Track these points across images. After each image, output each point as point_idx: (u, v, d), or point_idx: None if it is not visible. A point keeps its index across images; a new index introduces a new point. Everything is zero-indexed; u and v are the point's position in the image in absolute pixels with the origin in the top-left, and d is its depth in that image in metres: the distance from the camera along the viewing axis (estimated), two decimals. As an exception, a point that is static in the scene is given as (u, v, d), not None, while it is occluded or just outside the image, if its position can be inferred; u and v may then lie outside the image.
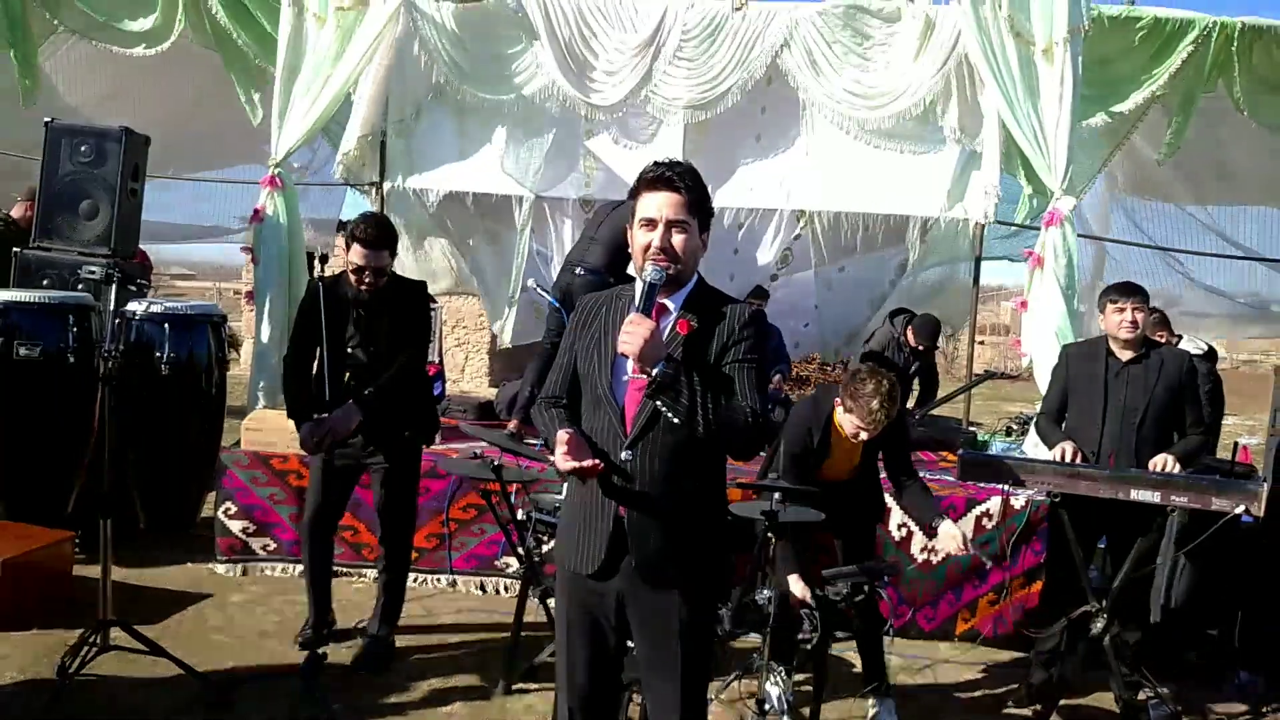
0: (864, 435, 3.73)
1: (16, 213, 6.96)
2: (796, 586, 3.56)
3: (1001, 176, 6.13)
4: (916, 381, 6.94)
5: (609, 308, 2.48)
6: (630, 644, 2.59)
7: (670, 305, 2.40)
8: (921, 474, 4.19)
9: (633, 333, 2.23)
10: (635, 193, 2.41)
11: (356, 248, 3.98)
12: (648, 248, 2.35)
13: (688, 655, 2.41)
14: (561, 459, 2.30)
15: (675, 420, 2.27)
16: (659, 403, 2.27)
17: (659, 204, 2.35)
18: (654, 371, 2.23)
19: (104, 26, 6.34)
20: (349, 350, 4.10)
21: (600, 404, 2.41)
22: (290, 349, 4.21)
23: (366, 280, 4.01)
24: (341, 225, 4.03)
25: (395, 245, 4.13)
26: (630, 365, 2.32)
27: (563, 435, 2.32)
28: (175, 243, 8.63)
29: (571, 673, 2.49)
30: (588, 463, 2.29)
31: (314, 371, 4.11)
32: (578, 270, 6.06)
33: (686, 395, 2.24)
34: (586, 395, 2.47)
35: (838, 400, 3.82)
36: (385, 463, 4.19)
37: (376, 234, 4.00)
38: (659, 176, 2.36)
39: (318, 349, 4.07)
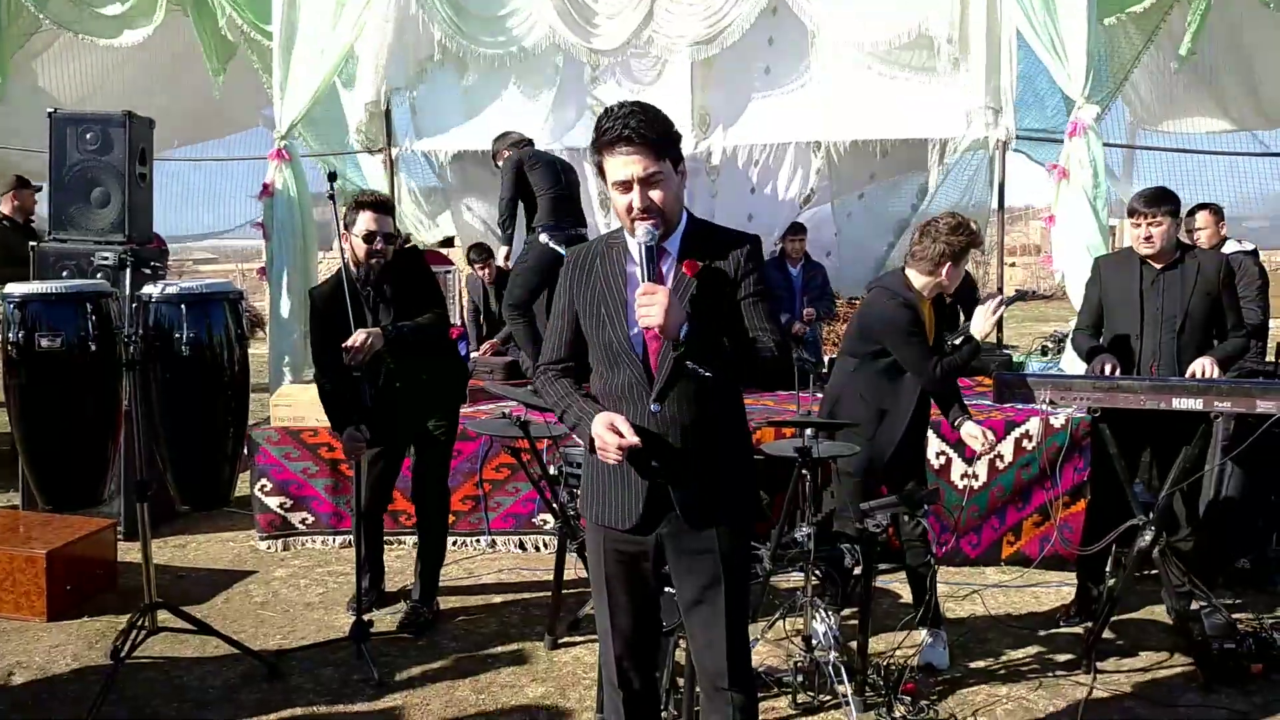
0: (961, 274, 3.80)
1: (7, 209, 6.98)
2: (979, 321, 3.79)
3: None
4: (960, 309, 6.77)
5: (603, 259, 2.40)
6: (668, 589, 2.57)
7: (668, 249, 2.34)
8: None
9: (650, 303, 2.16)
10: (596, 150, 2.30)
11: (366, 214, 3.97)
12: (630, 209, 2.26)
13: (731, 591, 2.38)
14: (614, 457, 2.25)
15: (706, 375, 2.24)
16: (689, 364, 2.23)
17: (625, 164, 2.23)
18: (680, 336, 2.18)
19: (85, 16, 6.27)
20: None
21: (620, 360, 2.35)
22: (316, 365, 4.14)
23: (377, 247, 3.98)
24: (333, 197, 3.96)
25: (394, 213, 4.17)
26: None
27: (624, 430, 2.24)
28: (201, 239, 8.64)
29: (614, 619, 2.47)
30: (632, 442, 2.25)
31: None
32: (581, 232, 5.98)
33: (714, 350, 2.22)
34: (600, 353, 2.40)
35: (927, 272, 3.72)
36: (422, 433, 4.23)
37: (382, 198, 4.07)
38: (616, 136, 2.22)
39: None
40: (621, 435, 2.24)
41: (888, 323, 3.73)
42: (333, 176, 4.00)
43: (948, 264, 3.70)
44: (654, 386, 2.30)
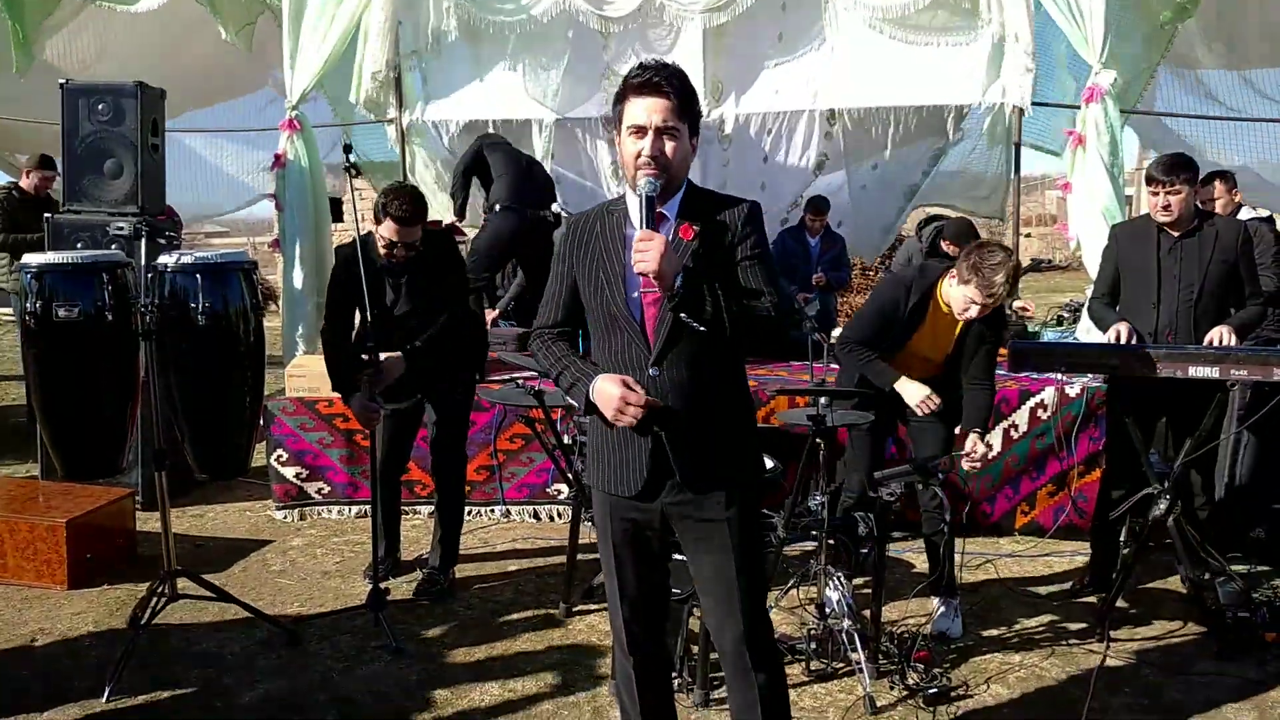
0: (974, 311, 3.56)
1: (25, 182, 6.99)
2: (911, 390, 3.68)
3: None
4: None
5: (603, 224, 2.40)
6: (677, 555, 2.58)
7: (666, 214, 2.33)
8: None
9: (646, 249, 2.15)
10: (621, 97, 2.31)
11: (390, 224, 3.92)
12: (638, 156, 2.26)
13: (743, 559, 2.37)
14: (633, 415, 2.25)
15: (701, 329, 2.22)
16: (683, 315, 2.21)
17: (647, 110, 2.24)
18: (675, 285, 2.18)
19: None
20: (394, 314, 4.11)
21: (617, 324, 2.34)
22: (326, 322, 4.20)
23: (397, 254, 3.99)
24: (350, 169, 3.97)
25: (426, 216, 4.08)
26: (641, 279, 2.26)
27: (637, 391, 2.26)
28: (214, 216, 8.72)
29: (622, 586, 2.47)
30: (652, 400, 2.26)
31: (355, 337, 4.14)
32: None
33: (710, 303, 2.19)
34: (597, 319, 2.40)
35: (951, 272, 3.67)
36: (440, 401, 4.25)
37: (412, 210, 3.93)
38: (646, 81, 2.24)
39: (355, 315, 4.07)
40: (637, 394, 2.25)
41: (878, 286, 3.76)
42: (348, 149, 3.99)
43: (980, 304, 3.57)
44: (652, 351, 2.31)
